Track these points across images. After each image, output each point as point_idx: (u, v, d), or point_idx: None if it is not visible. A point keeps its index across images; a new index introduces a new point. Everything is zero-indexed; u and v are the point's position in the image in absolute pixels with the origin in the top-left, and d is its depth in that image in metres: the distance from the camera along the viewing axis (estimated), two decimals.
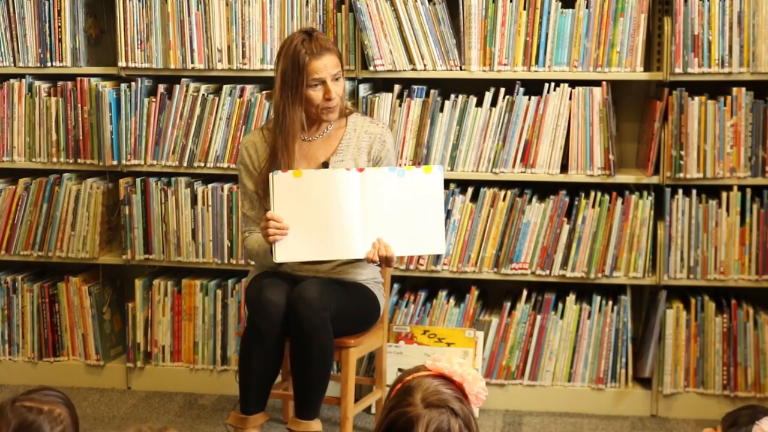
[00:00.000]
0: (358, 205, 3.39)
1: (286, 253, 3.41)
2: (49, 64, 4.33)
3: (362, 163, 3.59)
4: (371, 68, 4.06)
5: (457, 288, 4.24)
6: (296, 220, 3.39)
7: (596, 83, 3.98)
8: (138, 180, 4.28)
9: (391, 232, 3.42)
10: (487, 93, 4.04)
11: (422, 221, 3.44)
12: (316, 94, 3.50)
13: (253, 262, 3.72)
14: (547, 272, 4.06)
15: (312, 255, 3.43)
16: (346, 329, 3.54)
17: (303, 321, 3.35)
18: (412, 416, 1.83)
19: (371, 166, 3.59)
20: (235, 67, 4.17)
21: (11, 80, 4.37)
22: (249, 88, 4.17)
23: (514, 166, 4.03)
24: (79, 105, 4.30)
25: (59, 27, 4.30)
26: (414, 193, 3.43)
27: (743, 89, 3.90)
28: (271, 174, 3.42)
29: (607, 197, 4.00)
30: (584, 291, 4.15)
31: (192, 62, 4.20)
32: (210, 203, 4.22)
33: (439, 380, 1.89)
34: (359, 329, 3.61)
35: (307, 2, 4.10)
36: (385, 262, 3.43)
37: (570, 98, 3.99)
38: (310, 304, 3.35)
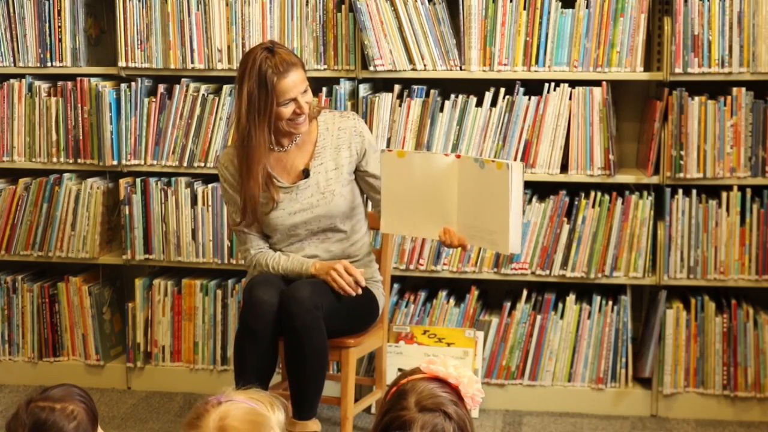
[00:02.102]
0: (455, 190, 3.37)
1: (390, 225, 3.50)
2: (49, 64, 4.33)
3: (343, 160, 3.57)
4: (371, 68, 4.06)
5: (457, 288, 4.23)
6: (400, 196, 3.46)
7: (596, 83, 3.98)
8: (138, 180, 4.28)
9: (473, 220, 3.36)
10: (487, 93, 4.04)
11: (492, 218, 3.30)
12: (286, 110, 3.44)
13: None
14: (547, 272, 4.06)
15: (411, 231, 3.52)
16: (344, 329, 3.53)
17: (295, 320, 3.34)
18: (406, 420, 1.83)
19: (356, 161, 3.59)
20: (235, 67, 4.15)
21: (11, 80, 4.37)
22: None
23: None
24: (79, 105, 4.30)
25: (59, 27, 4.30)
26: (487, 187, 3.29)
27: (743, 89, 3.90)
28: (381, 151, 3.52)
29: (607, 197, 4.00)
30: (584, 291, 4.15)
31: (192, 62, 4.20)
32: (210, 203, 4.22)
33: (434, 383, 1.89)
34: (358, 329, 3.61)
35: (307, 2, 4.10)
36: (460, 248, 3.45)
37: (570, 98, 3.98)
38: (301, 303, 3.35)
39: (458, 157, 3.37)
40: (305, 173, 3.56)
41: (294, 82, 3.42)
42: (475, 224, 3.36)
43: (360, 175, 3.63)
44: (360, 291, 3.47)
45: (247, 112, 3.42)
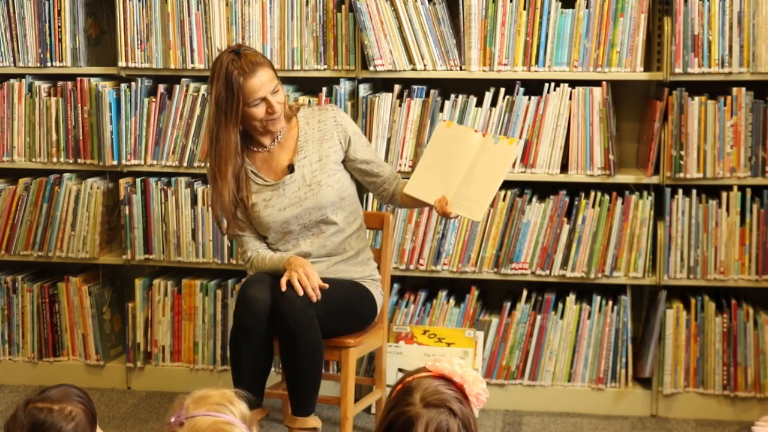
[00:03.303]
0: (468, 163, 3.51)
1: (413, 188, 3.58)
2: (49, 64, 4.33)
3: (327, 151, 3.58)
4: (371, 68, 4.06)
5: (457, 288, 4.23)
6: (431, 162, 3.58)
7: (596, 83, 3.98)
8: (138, 180, 4.28)
9: (465, 191, 3.48)
10: (487, 93, 4.04)
11: (479, 186, 3.48)
12: (259, 111, 3.46)
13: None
14: (547, 272, 4.06)
15: (422, 195, 3.56)
16: (342, 327, 3.54)
17: (287, 318, 3.35)
18: (411, 416, 1.83)
19: (342, 150, 3.60)
20: None
21: (11, 80, 4.37)
22: None
23: (514, 166, 4.03)
24: (79, 105, 4.30)
25: (59, 27, 4.30)
26: (490, 159, 3.49)
27: (743, 89, 3.90)
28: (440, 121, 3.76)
29: (607, 197, 4.00)
30: (584, 291, 4.15)
31: (192, 62, 4.20)
32: (210, 203, 4.22)
33: (440, 381, 1.90)
34: (356, 327, 3.61)
35: (307, 2, 4.10)
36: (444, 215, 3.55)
37: (570, 98, 3.99)
38: (293, 301, 3.35)
39: (484, 135, 3.53)
40: (290, 168, 3.57)
41: (262, 82, 3.43)
42: (464, 193, 3.48)
43: (351, 165, 3.64)
44: (317, 296, 3.40)
45: (215, 114, 3.47)
